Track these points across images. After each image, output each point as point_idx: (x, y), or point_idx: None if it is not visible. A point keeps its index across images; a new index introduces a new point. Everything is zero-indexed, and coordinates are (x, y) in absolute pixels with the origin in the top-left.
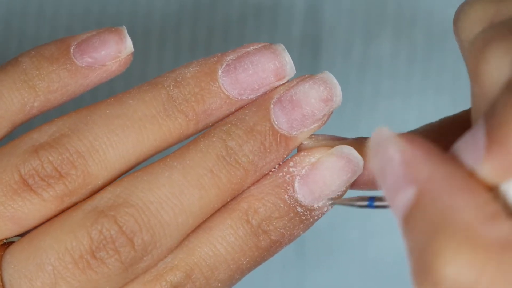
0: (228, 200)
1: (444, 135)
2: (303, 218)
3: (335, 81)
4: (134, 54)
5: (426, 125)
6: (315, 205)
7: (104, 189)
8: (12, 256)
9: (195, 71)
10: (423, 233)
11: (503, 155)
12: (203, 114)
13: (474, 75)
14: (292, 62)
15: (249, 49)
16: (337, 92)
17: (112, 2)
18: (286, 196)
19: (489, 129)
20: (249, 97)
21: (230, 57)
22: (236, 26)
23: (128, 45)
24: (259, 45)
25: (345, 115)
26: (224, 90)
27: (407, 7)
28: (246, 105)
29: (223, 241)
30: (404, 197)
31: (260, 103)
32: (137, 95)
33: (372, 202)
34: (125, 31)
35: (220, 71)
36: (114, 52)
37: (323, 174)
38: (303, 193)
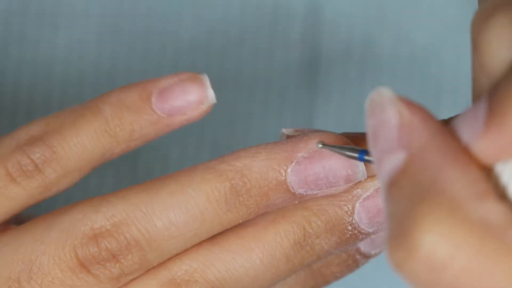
0: None
1: None
2: (360, 263)
3: None
4: (135, 54)
5: None
6: (372, 252)
7: (180, 259)
8: None
9: (263, 166)
10: (407, 199)
11: (502, 133)
12: (265, 207)
13: (475, 45)
14: (364, 169)
15: (319, 148)
16: None
17: (111, 2)
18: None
19: (491, 105)
20: (314, 192)
21: (301, 154)
22: (236, 26)
23: (210, 97)
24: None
25: (345, 115)
26: (291, 188)
27: (407, 8)
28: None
29: (284, 285)
30: (393, 161)
31: (346, 199)
32: (199, 184)
33: (363, 155)
34: (207, 81)
35: (289, 170)
36: (196, 103)
37: None
38: (365, 242)
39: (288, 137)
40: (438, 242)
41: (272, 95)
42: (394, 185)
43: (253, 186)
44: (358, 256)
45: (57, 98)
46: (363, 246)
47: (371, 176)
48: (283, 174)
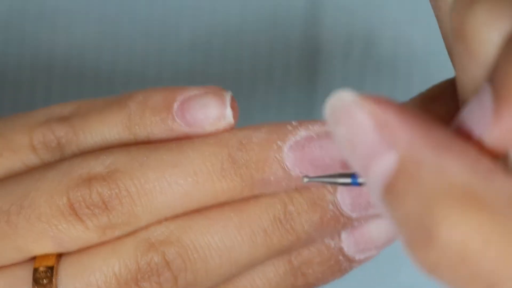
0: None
1: (432, 103)
2: (342, 267)
3: None
4: (135, 54)
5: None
6: (357, 257)
7: (159, 222)
8: (61, 269)
9: (263, 139)
10: (418, 199)
11: None
12: (260, 183)
13: (459, 33)
14: None
15: (322, 130)
16: None
17: (111, 2)
18: (332, 243)
19: (496, 92)
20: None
21: (302, 133)
22: (236, 26)
23: (227, 115)
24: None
25: None
26: (285, 166)
27: (407, 8)
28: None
29: (263, 277)
30: (383, 164)
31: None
32: (198, 147)
33: (355, 178)
34: (228, 100)
35: (287, 146)
36: (214, 119)
37: (370, 230)
38: (348, 243)
39: None
40: (469, 234)
41: (272, 95)
42: (392, 188)
43: (251, 158)
44: (341, 257)
45: (57, 98)
46: (346, 246)
47: None
48: (281, 149)
